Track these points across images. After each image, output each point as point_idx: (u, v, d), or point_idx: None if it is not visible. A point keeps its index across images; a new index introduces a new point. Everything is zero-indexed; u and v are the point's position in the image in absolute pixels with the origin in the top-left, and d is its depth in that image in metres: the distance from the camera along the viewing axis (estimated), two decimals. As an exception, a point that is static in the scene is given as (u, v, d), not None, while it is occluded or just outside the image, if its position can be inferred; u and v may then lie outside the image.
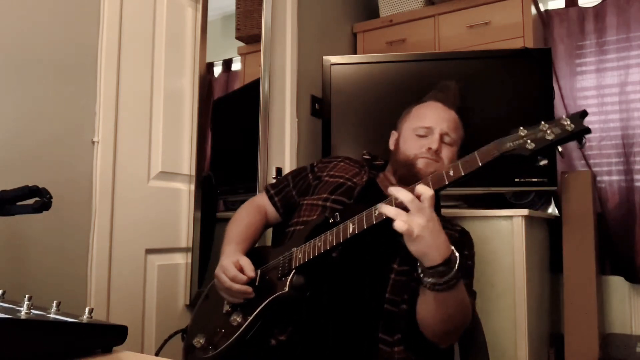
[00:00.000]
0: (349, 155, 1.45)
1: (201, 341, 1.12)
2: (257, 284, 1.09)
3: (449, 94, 1.34)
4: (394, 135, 1.36)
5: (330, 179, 1.29)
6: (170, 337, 1.25)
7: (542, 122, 0.87)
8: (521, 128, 0.88)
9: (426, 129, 1.25)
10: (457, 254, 0.93)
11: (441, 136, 1.24)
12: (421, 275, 0.94)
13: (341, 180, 1.27)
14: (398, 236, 0.90)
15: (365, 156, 1.38)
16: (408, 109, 1.35)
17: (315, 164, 1.37)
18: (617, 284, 2.40)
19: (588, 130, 0.84)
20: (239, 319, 1.08)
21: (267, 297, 1.06)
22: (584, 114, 0.86)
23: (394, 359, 1.08)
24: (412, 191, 0.90)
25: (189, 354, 1.14)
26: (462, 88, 1.45)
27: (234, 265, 1.09)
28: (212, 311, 1.18)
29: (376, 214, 0.94)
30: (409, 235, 0.89)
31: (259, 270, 1.13)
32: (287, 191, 1.35)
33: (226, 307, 1.13)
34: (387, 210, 0.90)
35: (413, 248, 0.91)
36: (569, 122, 0.85)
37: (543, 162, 0.89)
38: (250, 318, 1.05)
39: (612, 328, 2.39)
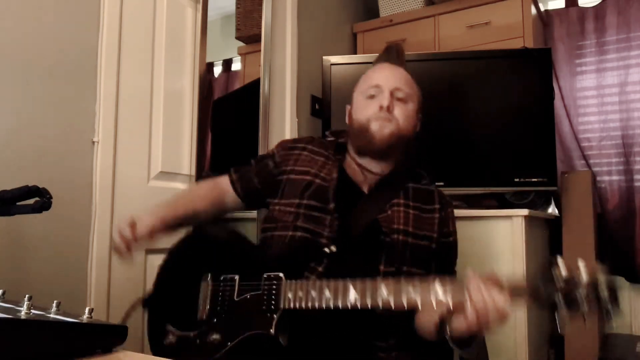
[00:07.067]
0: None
1: (172, 340, 1.06)
2: (236, 298, 1.03)
3: (391, 53, 1.29)
4: (347, 109, 1.29)
5: (296, 176, 1.21)
6: (133, 308, 1.20)
7: (580, 290, 0.86)
8: (559, 290, 0.88)
9: (375, 87, 1.19)
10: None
11: (392, 92, 1.17)
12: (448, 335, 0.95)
13: (308, 178, 1.19)
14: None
15: (329, 138, 1.30)
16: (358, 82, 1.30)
17: (276, 151, 1.31)
18: (617, 284, 2.39)
19: (618, 313, 0.85)
20: (217, 338, 1.02)
21: (249, 329, 1.00)
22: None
23: None
24: (487, 285, 0.89)
25: (154, 337, 1.11)
26: (462, 88, 1.41)
27: (128, 223, 1.14)
28: (183, 297, 1.10)
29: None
30: (469, 327, 0.88)
31: (237, 281, 1.06)
32: (249, 177, 1.28)
33: (205, 311, 1.05)
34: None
35: (457, 326, 0.90)
36: (608, 304, 0.86)
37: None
38: (230, 345, 1.00)
39: (612, 328, 2.38)
